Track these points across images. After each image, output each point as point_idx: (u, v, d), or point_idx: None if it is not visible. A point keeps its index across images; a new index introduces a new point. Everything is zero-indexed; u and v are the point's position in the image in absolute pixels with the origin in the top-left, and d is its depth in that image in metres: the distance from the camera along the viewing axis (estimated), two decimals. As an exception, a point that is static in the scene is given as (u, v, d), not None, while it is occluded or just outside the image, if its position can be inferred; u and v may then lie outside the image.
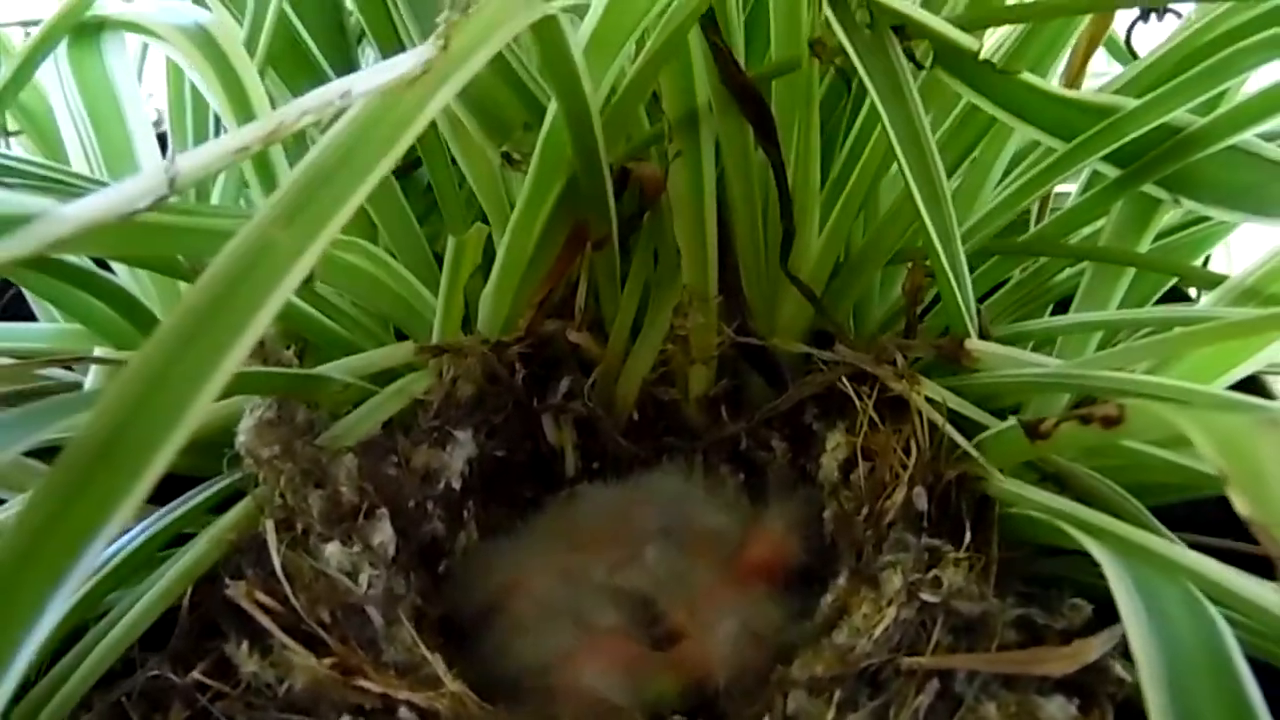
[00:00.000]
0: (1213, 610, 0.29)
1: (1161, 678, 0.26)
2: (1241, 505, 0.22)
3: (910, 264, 0.45)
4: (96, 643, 0.35)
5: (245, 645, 0.35)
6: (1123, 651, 0.35)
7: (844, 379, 0.45)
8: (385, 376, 0.46)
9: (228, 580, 0.35)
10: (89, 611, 0.37)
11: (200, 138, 0.56)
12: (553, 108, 0.42)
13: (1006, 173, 0.53)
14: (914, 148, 0.41)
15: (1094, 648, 0.34)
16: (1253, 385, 0.47)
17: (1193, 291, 0.57)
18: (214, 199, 0.53)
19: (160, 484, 0.47)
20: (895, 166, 0.45)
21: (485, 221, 0.50)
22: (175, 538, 0.40)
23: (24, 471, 0.45)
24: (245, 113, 0.46)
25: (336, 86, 0.27)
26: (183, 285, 0.47)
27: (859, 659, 0.35)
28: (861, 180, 0.45)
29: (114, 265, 0.49)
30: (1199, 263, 0.53)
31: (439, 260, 0.49)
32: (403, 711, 0.34)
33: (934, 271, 0.42)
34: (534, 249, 0.46)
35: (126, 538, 0.38)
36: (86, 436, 0.22)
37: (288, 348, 0.43)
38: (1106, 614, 0.36)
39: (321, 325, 0.47)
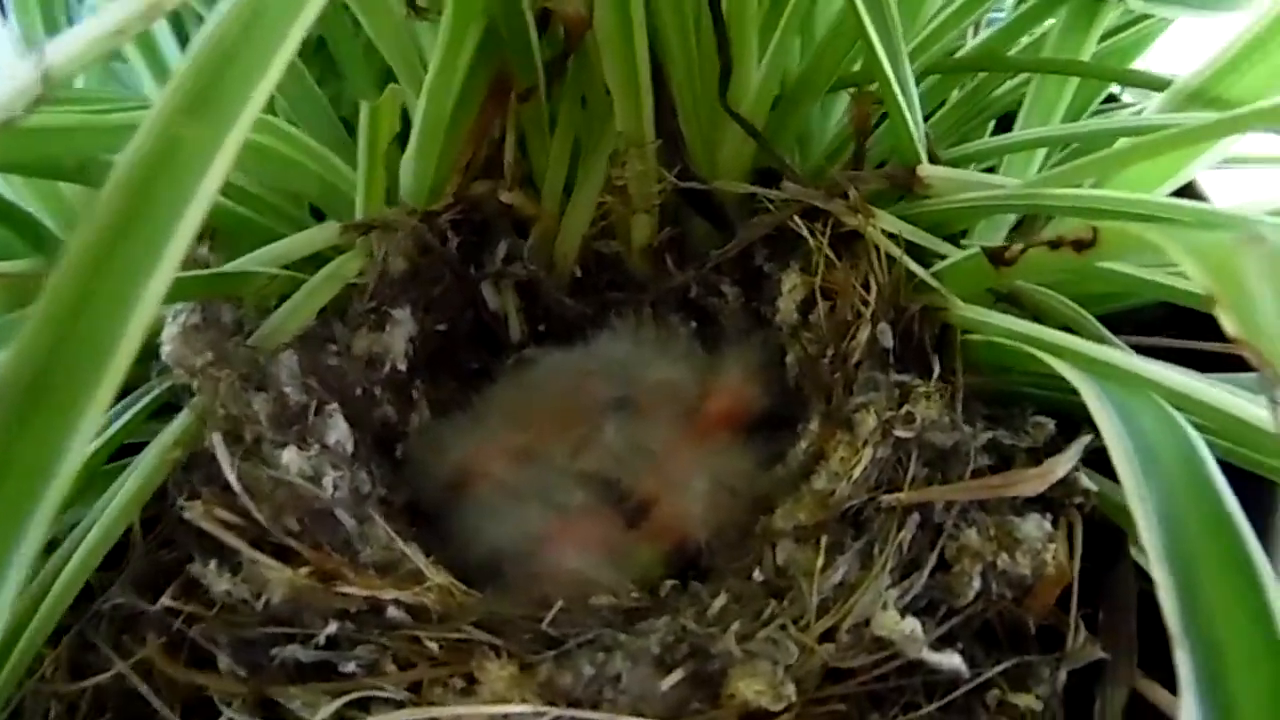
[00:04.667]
0: (1183, 422, 0.29)
1: (1143, 493, 0.26)
2: (1229, 325, 0.22)
3: (855, 91, 0.43)
4: (59, 571, 0.33)
5: (213, 564, 0.33)
6: (1083, 461, 0.36)
7: (796, 217, 0.43)
8: (311, 263, 0.42)
9: (181, 502, 0.33)
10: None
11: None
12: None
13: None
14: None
15: (1061, 464, 0.34)
16: (1190, 191, 0.47)
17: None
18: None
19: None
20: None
21: (392, 79, 0.46)
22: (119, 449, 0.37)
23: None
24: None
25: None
26: (63, 186, 0.42)
27: (840, 502, 0.35)
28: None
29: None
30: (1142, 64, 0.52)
31: (345, 126, 0.45)
32: (391, 610, 0.33)
33: (883, 96, 0.40)
34: (454, 106, 0.42)
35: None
36: (9, 378, 0.20)
37: (198, 239, 0.39)
38: (1064, 424, 0.37)
39: (230, 212, 0.43)
